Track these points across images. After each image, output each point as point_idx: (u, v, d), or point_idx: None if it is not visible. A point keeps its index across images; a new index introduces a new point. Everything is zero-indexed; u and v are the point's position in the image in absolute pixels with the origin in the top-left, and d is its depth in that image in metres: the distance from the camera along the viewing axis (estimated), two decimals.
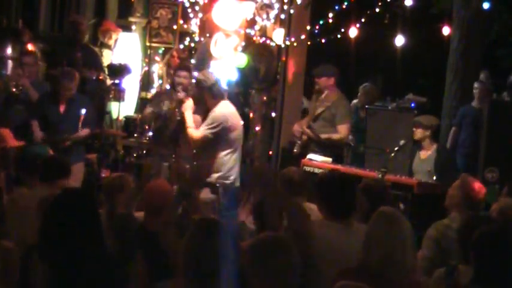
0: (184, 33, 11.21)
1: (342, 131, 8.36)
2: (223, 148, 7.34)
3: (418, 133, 7.94)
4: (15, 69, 8.47)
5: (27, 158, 6.33)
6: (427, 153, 7.92)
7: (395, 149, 7.42)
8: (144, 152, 8.75)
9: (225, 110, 7.44)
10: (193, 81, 7.72)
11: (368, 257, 3.99)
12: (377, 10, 10.54)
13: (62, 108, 8.24)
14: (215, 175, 7.25)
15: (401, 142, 7.50)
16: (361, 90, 10.15)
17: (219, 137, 7.35)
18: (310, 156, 7.99)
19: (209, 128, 7.34)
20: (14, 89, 8.16)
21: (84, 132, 8.25)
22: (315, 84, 8.58)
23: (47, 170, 5.76)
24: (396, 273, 3.90)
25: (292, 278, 3.51)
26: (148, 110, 8.25)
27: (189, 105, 7.61)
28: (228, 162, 7.38)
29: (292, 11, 10.16)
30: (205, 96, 7.52)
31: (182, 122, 7.74)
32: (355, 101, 10.17)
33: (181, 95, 7.75)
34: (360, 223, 4.63)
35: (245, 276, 3.51)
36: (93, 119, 8.49)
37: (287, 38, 10.28)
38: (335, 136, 8.30)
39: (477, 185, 5.54)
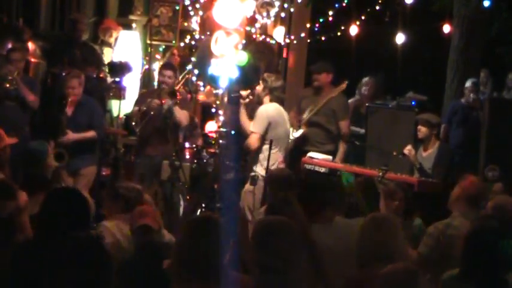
0: (185, 31, 11.22)
1: (344, 127, 8.42)
2: (266, 143, 7.38)
3: (424, 131, 7.78)
4: (7, 66, 8.36)
5: (27, 154, 6.33)
6: (429, 151, 7.84)
7: (400, 156, 7.53)
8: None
9: (269, 107, 7.57)
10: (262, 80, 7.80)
11: (361, 252, 4.20)
12: (377, 8, 10.58)
13: (69, 111, 8.17)
14: (257, 168, 7.35)
15: (406, 150, 7.55)
16: (365, 82, 10.10)
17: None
18: (311, 154, 8.00)
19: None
20: (7, 85, 8.10)
21: (89, 133, 8.13)
22: (314, 81, 8.58)
23: None
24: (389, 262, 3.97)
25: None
26: (135, 108, 8.30)
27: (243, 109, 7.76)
28: (271, 158, 7.37)
29: (292, 9, 10.19)
30: (264, 95, 7.63)
31: (168, 120, 7.90)
32: (351, 99, 10.12)
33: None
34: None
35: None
36: (101, 123, 8.37)
37: (287, 36, 10.31)
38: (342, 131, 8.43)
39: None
